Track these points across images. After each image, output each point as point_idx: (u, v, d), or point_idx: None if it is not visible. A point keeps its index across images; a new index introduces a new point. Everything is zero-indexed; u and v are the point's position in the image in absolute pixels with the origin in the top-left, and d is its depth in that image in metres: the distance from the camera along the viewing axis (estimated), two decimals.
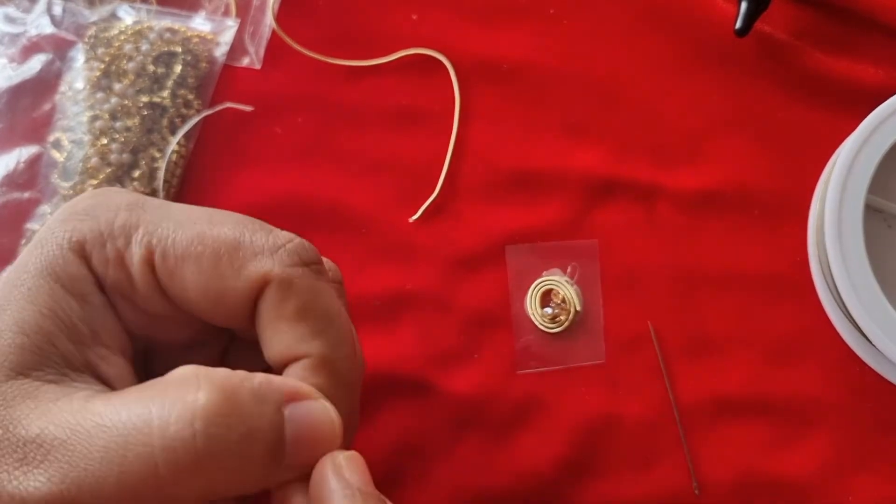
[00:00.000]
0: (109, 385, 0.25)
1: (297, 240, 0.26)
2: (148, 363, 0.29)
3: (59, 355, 0.24)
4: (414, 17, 0.40)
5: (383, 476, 0.35)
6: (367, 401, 0.36)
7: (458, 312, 0.37)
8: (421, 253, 0.38)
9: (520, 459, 0.35)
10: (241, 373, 0.23)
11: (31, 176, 0.39)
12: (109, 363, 0.25)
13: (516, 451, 0.36)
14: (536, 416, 0.36)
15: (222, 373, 0.23)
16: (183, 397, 0.22)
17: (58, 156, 0.39)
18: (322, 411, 0.24)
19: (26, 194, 0.39)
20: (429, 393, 0.36)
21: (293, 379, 0.24)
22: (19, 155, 0.39)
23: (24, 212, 0.39)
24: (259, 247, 0.25)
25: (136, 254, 0.25)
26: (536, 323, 0.36)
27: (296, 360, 0.25)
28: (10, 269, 0.25)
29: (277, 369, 0.26)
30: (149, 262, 0.25)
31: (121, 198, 0.26)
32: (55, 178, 0.39)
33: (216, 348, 0.29)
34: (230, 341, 0.30)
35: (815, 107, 0.38)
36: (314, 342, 0.25)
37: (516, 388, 0.36)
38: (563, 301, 0.36)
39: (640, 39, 0.39)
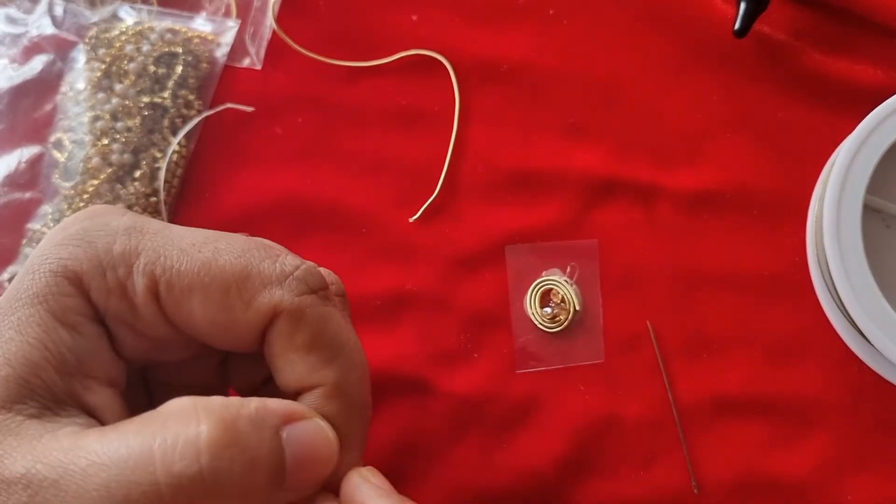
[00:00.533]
0: (95, 416, 0.24)
1: (304, 266, 0.26)
2: (146, 375, 0.28)
3: (43, 387, 0.23)
4: (414, 17, 0.40)
5: (384, 476, 0.36)
6: None
7: (457, 312, 0.37)
8: (421, 253, 0.38)
9: (519, 459, 0.36)
10: (236, 400, 0.23)
11: (32, 176, 0.39)
12: (96, 394, 0.24)
13: (516, 451, 0.36)
14: (536, 415, 0.36)
15: (219, 402, 0.23)
16: (185, 431, 0.22)
17: (59, 156, 0.39)
18: (319, 431, 0.24)
19: (27, 194, 0.39)
20: (428, 392, 0.36)
21: (287, 401, 0.24)
22: (21, 155, 0.39)
23: (25, 212, 0.39)
24: (267, 277, 0.25)
25: (139, 283, 0.25)
26: (536, 323, 0.36)
27: (310, 388, 0.25)
28: (2, 298, 0.25)
29: (290, 397, 0.26)
30: (153, 291, 0.25)
31: (117, 221, 0.26)
32: (56, 178, 0.39)
33: (214, 360, 0.29)
34: (227, 353, 0.30)
35: (814, 107, 0.38)
36: (326, 371, 0.25)
37: (516, 388, 0.36)
38: (563, 301, 0.36)
39: (639, 40, 0.39)
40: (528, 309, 0.36)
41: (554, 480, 0.35)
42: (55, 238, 0.25)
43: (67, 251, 0.25)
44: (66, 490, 0.21)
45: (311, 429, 0.24)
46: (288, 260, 0.26)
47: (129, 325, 0.25)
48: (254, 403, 0.23)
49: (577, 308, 0.36)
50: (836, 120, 0.37)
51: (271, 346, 0.25)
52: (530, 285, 0.37)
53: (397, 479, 0.35)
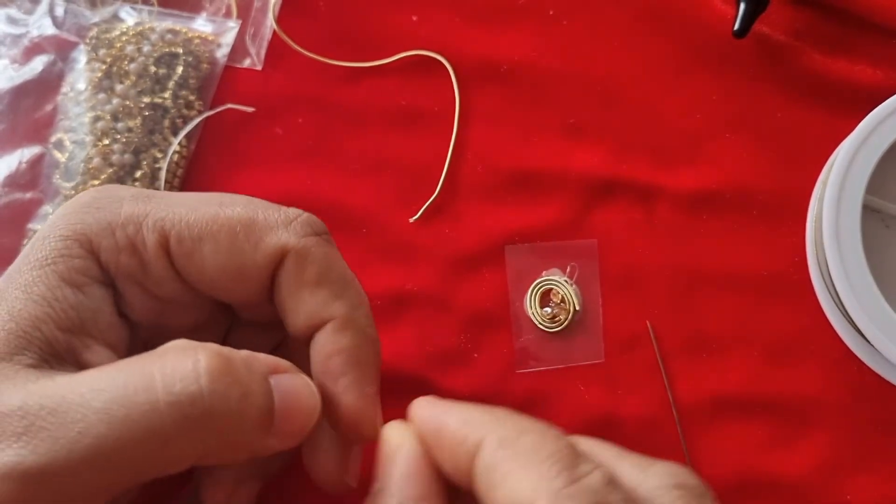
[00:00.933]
0: None
1: (306, 213, 0.27)
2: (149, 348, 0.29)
3: (42, 340, 0.24)
4: (414, 18, 0.40)
5: None
6: None
7: (457, 312, 0.37)
8: (421, 253, 0.38)
9: None
10: (227, 347, 0.24)
11: (33, 176, 0.39)
12: (94, 353, 0.25)
13: None
14: (536, 415, 0.36)
15: (213, 344, 0.24)
16: (183, 360, 0.23)
17: (60, 156, 0.39)
18: (304, 384, 0.25)
19: (28, 195, 0.39)
20: (428, 392, 0.36)
21: (282, 359, 0.25)
22: (21, 155, 0.39)
23: (26, 212, 0.39)
24: (273, 221, 0.26)
25: (149, 239, 0.26)
26: (536, 322, 0.36)
27: (322, 324, 0.26)
28: (11, 266, 0.26)
29: (303, 339, 0.27)
30: (163, 245, 0.26)
31: (124, 191, 0.27)
32: (57, 178, 0.39)
33: (218, 332, 0.30)
34: (228, 329, 0.30)
35: (814, 107, 0.38)
36: (336, 304, 0.26)
37: (516, 388, 0.36)
38: (563, 301, 0.36)
39: (639, 40, 0.39)
40: (528, 309, 0.36)
41: None
42: (65, 209, 0.26)
43: (77, 217, 0.26)
44: (65, 415, 0.22)
45: (296, 380, 0.25)
46: (290, 209, 0.27)
47: (139, 284, 0.26)
48: (244, 351, 0.24)
49: (577, 308, 0.36)
50: (835, 120, 0.37)
51: (281, 288, 0.26)
52: (530, 285, 0.37)
53: None
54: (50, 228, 0.26)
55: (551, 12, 0.40)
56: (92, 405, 0.22)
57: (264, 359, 0.25)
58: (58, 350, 0.24)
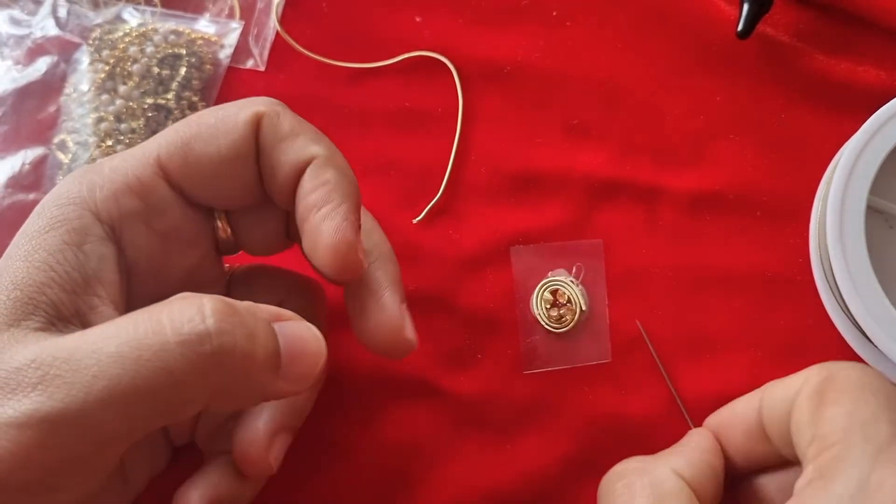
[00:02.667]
0: None
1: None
2: None
3: (48, 303, 0.25)
4: (417, 19, 0.40)
5: (389, 476, 0.36)
6: (373, 401, 0.36)
7: (461, 313, 0.37)
8: (424, 254, 0.38)
9: (526, 459, 0.36)
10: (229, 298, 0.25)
11: (36, 177, 0.39)
12: (99, 314, 0.26)
13: (522, 451, 0.36)
14: (542, 415, 0.36)
15: (216, 295, 0.24)
16: (189, 305, 0.23)
17: (63, 157, 0.39)
18: (307, 329, 0.26)
19: (31, 196, 0.39)
20: (434, 393, 0.36)
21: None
22: (24, 157, 0.39)
23: (28, 213, 0.39)
24: (243, 103, 0.29)
25: (144, 171, 0.28)
26: (542, 323, 0.36)
27: (304, 166, 0.28)
28: (10, 244, 0.27)
29: (291, 184, 0.28)
30: (158, 165, 0.28)
31: (98, 162, 0.29)
32: (60, 179, 0.39)
33: (217, 290, 0.31)
34: (228, 287, 0.32)
35: (818, 108, 0.38)
36: (315, 147, 0.28)
37: (522, 388, 0.36)
38: (569, 301, 0.36)
39: (642, 42, 0.39)
40: (535, 309, 0.36)
41: (560, 480, 0.35)
42: (53, 190, 0.28)
43: (65, 188, 0.27)
44: (79, 362, 0.22)
45: (300, 325, 0.26)
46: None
47: (143, 220, 0.28)
48: (246, 302, 0.25)
49: (584, 308, 0.36)
50: (839, 121, 0.37)
51: (265, 148, 0.28)
52: (536, 286, 0.37)
53: (403, 479, 0.35)
54: (43, 204, 0.27)
55: (555, 13, 0.40)
56: (104, 350, 0.22)
57: (266, 307, 0.26)
58: (63, 313, 0.25)
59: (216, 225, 0.30)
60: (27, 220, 0.27)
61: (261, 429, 0.30)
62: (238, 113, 0.28)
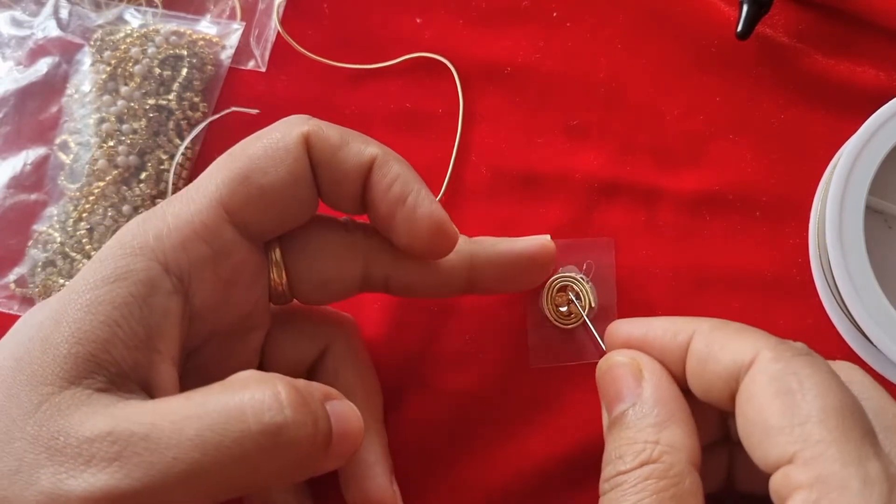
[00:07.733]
0: (152, 394, 0.26)
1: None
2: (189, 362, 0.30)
3: (111, 362, 0.25)
4: (418, 20, 0.40)
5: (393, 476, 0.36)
6: None
7: (464, 312, 0.37)
8: None
9: (533, 456, 0.35)
10: (288, 377, 0.25)
11: (38, 178, 0.39)
12: (158, 372, 0.26)
13: (526, 449, 0.36)
14: (546, 411, 0.36)
15: (282, 376, 0.25)
16: (265, 391, 0.24)
17: (65, 158, 0.39)
18: (351, 409, 0.27)
19: (33, 196, 0.39)
20: (437, 391, 0.36)
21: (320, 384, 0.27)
22: (26, 157, 0.40)
23: (31, 214, 0.39)
24: (279, 127, 0.29)
25: (208, 215, 0.27)
26: (551, 318, 0.36)
27: (367, 166, 0.29)
28: (70, 283, 0.26)
29: (359, 190, 0.29)
30: (221, 204, 0.27)
31: (152, 209, 0.29)
32: (62, 180, 0.39)
33: (255, 343, 0.31)
34: (266, 338, 0.31)
35: (817, 109, 0.38)
36: (369, 148, 0.29)
37: (530, 383, 0.36)
38: (578, 297, 0.36)
39: (642, 42, 0.39)
40: (544, 305, 0.36)
41: (564, 478, 0.35)
42: (115, 236, 0.27)
43: (129, 234, 0.27)
44: (158, 442, 0.23)
45: (346, 406, 0.27)
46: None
47: (210, 264, 0.27)
48: (301, 380, 0.26)
49: (593, 304, 0.36)
50: (838, 122, 0.38)
51: (320, 161, 0.28)
52: (546, 282, 0.37)
53: (407, 477, 0.35)
54: (105, 252, 0.26)
55: (555, 14, 0.40)
56: (185, 433, 0.23)
57: (318, 386, 0.26)
58: (124, 370, 0.25)
59: (270, 276, 0.30)
60: (86, 265, 0.26)
61: (383, 476, 0.32)
62: (284, 137, 0.28)
